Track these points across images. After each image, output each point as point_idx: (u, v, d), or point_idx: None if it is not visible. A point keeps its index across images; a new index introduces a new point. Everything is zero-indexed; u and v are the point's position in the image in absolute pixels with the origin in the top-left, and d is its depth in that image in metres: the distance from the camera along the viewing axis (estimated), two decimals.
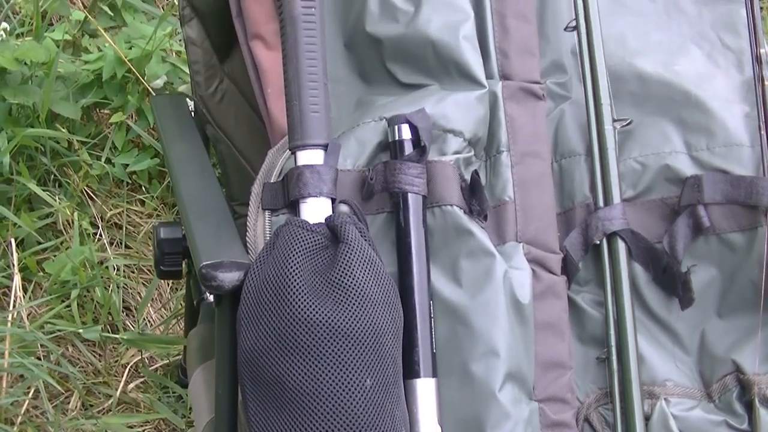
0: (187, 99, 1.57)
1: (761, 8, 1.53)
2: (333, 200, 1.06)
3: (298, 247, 1.01)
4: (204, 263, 1.03)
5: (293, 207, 1.07)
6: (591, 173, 1.20)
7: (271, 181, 1.10)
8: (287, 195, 1.07)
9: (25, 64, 2.01)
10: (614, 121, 1.20)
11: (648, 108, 1.24)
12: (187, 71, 1.93)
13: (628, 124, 1.21)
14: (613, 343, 1.16)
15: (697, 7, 1.34)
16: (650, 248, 1.18)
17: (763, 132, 1.19)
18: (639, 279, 1.19)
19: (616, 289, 1.17)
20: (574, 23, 1.23)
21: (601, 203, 1.18)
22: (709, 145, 1.21)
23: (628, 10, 1.32)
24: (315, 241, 1.02)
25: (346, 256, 1.00)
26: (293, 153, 1.07)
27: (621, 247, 1.17)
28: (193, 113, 1.55)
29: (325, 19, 1.14)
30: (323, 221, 1.04)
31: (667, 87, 1.25)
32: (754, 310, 1.19)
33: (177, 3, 1.84)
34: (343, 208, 1.07)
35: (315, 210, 1.05)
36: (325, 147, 1.07)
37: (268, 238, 1.07)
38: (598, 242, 1.18)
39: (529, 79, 1.20)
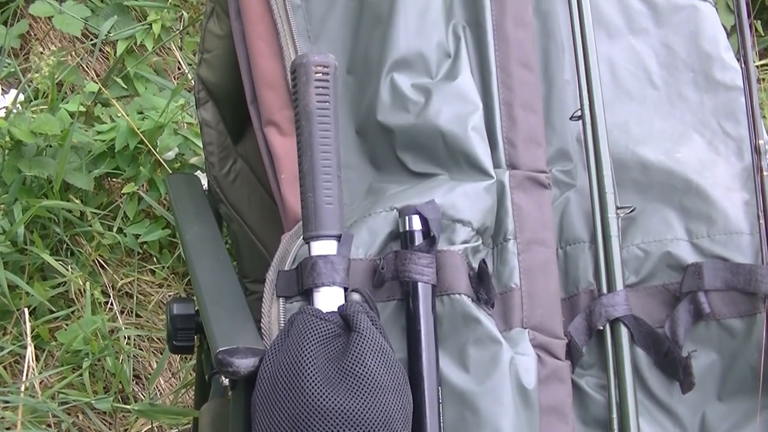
0: (201, 174, 1.60)
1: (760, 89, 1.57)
2: (345, 289, 1.09)
3: (311, 336, 1.04)
4: (220, 349, 1.06)
5: (307, 295, 1.10)
6: (595, 260, 1.23)
7: (285, 268, 1.13)
8: (301, 283, 1.10)
9: (40, 134, 2.06)
10: (617, 209, 1.23)
11: (651, 195, 1.28)
12: (199, 143, 1.98)
13: (631, 212, 1.24)
14: (615, 426, 1.18)
15: (698, 95, 1.38)
16: (652, 333, 1.21)
17: (762, 221, 1.23)
18: (641, 363, 1.22)
19: (619, 373, 1.20)
20: (579, 113, 1.27)
21: (604, 290, 1.21)
22: (709, 232, 1.24)
23: (631, 97, 1.36)
24: (328, 329, 1.05)
25: (358, 344, 1.03)
26: (307, 243, 1.11)
27: (624, 332, 1.20)
28: (206, 191, 1.58)
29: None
30: (336, 310, 1.07)
31: (669, 175, 1.28)
32: (754, 394, 1.21)
33: (191, 79, 1.89)
34: (355, 296, 1.10)
35: (328, 299, 1.08)
36: (339, 237, 1.10)
37: (282, 324, 1.10)
38: (601, 328, 1.20)
39: (535, 169, 1.24)
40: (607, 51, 1.37)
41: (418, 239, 1.12)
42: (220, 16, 1.45)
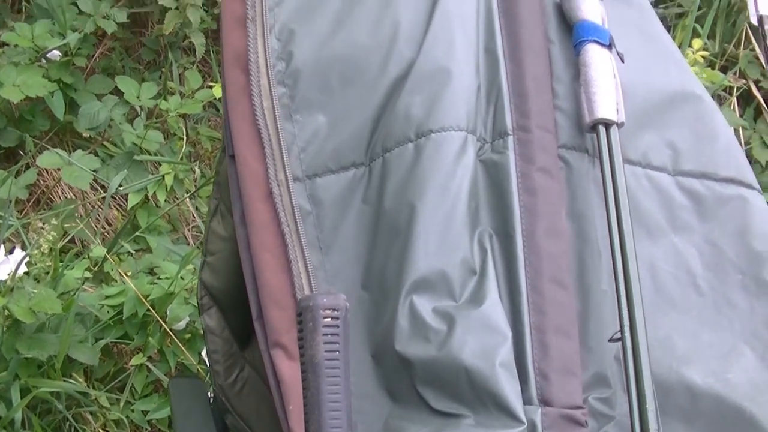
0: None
1: None
2: None
3: None
4: None
5: None
6: None
7: None
8: None
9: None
10: None
11: (698, 425, 1.16)
12: None
13: None
14: None
15: (749, 301, 1.26)
16: None
17: None
18: None
19: None
20: (618, 334, 1.14)
21: None
22: None
23: (674, 306, 1.24)
24: None
25: None
26: None
27: None
28: (211, 400, 1.46)
29: (350, 333, 1.06)
30: None
31: (718, 402, 1.16)
32: None
33: (202, 243, 1.79)
34: None
35: None
36: None
37: None
38: None
39: (570, 405, 1.11)
40: (648, 253, 1.24)
41: None
42: (224, 215, 1.34)
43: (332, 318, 0.99)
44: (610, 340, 1.15)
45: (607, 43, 1.25)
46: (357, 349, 1.11)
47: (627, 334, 1.13)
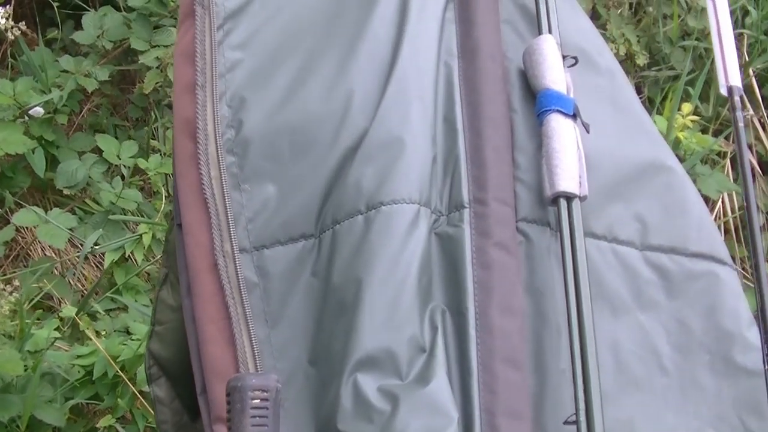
0: None
1: None
2: None
3: None
4: None
5: None
6: None
7: None
8: None
9: None
10: None
11: None
12: None
13: None
14: None
15: (716, 382, 1.21)
16: None
17: None
18: None
19: None
20: (573, 417, 1.09)
21: None
22: None
23: (638, 387, 1.19)
24: None
25: None
26: None
27: None
28: None
29: (297, 410, 1.03)
30: None
31: None
32: None
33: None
34: None
35: None
36: None
37: None
38: None
39: None
40: (611, 331, 1.19)
41: None
42: (174, 285, 1.30)
43: (261, 399, 0.95)
44: (565, 422, 1.10)
45: (572, 113, 1.21)
46: (302, 428, 1.08)
47: (582, 417, 1.08)
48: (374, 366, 1.08)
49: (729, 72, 1.26)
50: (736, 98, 1.21)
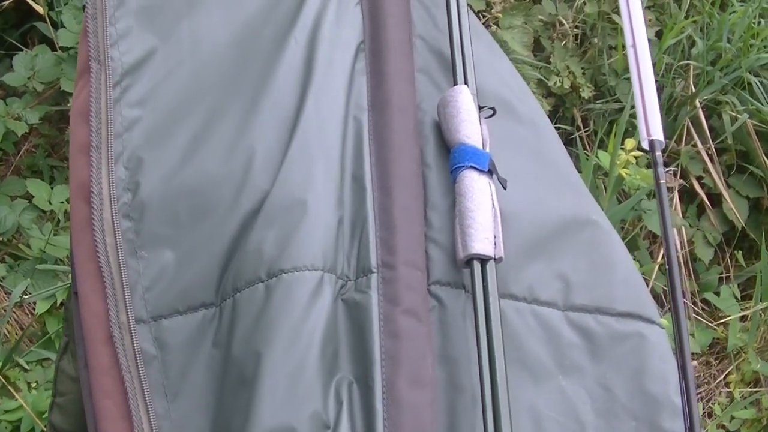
0: None
1: None
2: None
3: None
4: None
5: None
6: None
7: None
8: None
9: None
10: None
11: None
12: None
13: None
14: None
15: None
16: None
17: None
18: None
19: None
20: None
21: None
22: None
23: None
24: None
25: None
26: None
27: None
28: None
29: None
30: None
31: None
32: None
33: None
34: None
35: None
36: None
37: None
38: None
39: None
40: (531, 398, 1.13)
41: None
42: (74, 354, 1.24)
43: None
44: None
45: (487, 169, 1.15)
46: None
47: None
48: None
49: (651, 124, 1.21)
50: (658, 153, 1.15)
